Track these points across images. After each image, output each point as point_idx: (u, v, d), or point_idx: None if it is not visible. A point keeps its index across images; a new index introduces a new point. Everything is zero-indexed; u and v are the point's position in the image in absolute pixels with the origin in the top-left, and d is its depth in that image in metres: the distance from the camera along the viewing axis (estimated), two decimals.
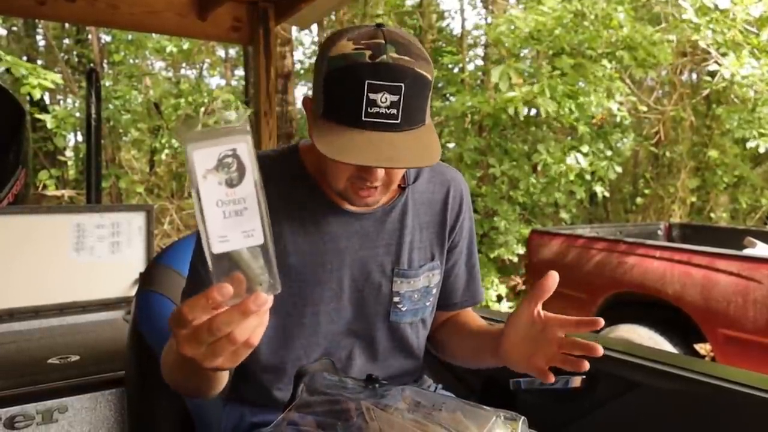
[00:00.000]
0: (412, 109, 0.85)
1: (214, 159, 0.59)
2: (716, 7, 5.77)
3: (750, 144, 6.22)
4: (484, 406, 0.82)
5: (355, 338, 1.05)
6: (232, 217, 0.61)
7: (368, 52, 0.83)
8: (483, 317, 1.44)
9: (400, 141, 0.84)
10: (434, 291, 1.11)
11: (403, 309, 1.06)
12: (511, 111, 6.07)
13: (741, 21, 5.82)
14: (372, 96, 0.82)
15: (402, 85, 0.82)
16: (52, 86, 5.89)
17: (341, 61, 0.84)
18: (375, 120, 0.83)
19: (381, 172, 0.89)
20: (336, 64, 0.84)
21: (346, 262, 1.02)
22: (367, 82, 0.81)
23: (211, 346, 0.62)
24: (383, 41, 0.84)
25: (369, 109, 0.82)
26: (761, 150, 6.13)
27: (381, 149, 0.83)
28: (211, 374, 0.83)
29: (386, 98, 0.82)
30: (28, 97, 5.49)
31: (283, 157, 1.05)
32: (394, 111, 0.83)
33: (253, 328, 0.62)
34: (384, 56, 0.82)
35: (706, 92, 7.09)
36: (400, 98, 0.83)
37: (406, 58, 0.84)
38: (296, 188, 1.01)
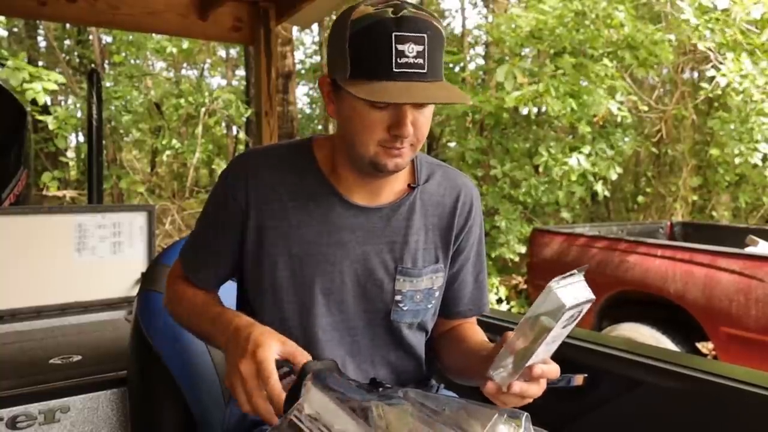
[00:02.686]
0: (435, 60, 0.89)
1: (570, 314, 0.80)
2: (715, 7, 5.74)
3: (738, 159, 6.03)
4: (488, 405, 0.81)
5: (354, 334, 1.05)
6: (548, 344, 0.82)
7: (390, 9, 0.88)
8: (486, 318, 1.44)
9: (429, 87, 0.89)
10: (437, 294, 1.10)
11: (405, 308, 1.05)
12: (520, 110, 6.05)
13: (741, 21, 5.79)
14: (400, 47, 0.86)
15: (425, 35, 0.87)
16: (56, 87, 5.89)
17: (366, 20, 0.88)
18: (405, 70, 0.87)
19: (410, 128, 0.91)
20: (361, 24, 0.89)
21: (348, 256, 1.02)
22: (393, 34, 0.86)
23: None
24: (399, 1, 0.90)
25: (399, 60, 0.86)
26: (754, 161, 5.95)
27: (413, 92, 0.87)
28: None
29: (413, 48, 0.87)
30: (30, 99, 5.50)
31: (295, 149, 1.07)
32: (421, 61, 0.87)
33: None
34: (405, 11, 0.88)
35: (703, 96, 7.07)
36: (424, 48, 0.87)
37: (423, 13, 0.90)
38: (306, 180, 1.03)
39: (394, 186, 1.05)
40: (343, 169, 1.02)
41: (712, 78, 5.98)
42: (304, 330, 1.03)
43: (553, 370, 0.86)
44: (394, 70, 0.86)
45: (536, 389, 0.85)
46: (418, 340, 1.12)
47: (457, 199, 1.10)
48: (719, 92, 6.20)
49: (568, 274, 0.82)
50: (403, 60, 0.86)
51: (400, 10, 0.88)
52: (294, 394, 0.91)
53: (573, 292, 0.80)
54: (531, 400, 0.87)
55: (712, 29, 5.82)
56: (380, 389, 0.88)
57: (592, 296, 0.82)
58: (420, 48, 0.87)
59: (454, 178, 1.12)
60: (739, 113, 6.13)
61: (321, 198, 1.02)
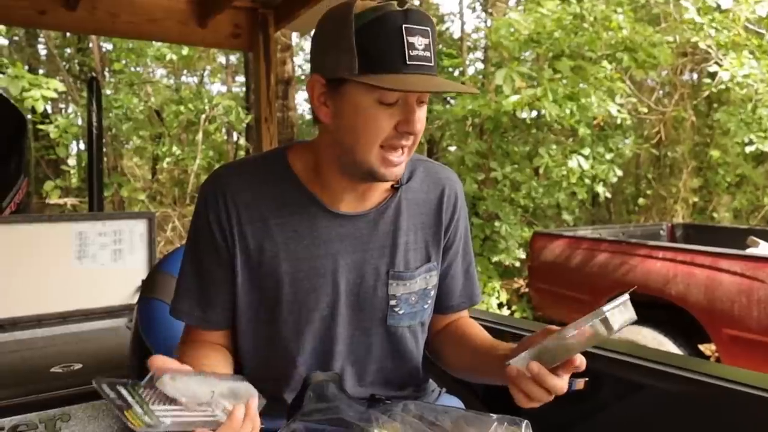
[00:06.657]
0: (435, 53, 0.89)
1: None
2: (718, 7, 5.77)
3: (749, 148, 6.15)
4: (487, 413, 0.81)
5: (351, 343, 1.03)
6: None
7: (395, 1, 0.87)
8: (484, 320, 1.43)
9: (438, 80, 0.89)
10: (432, 293, 1.08)
11: (401, 312, 1.04)
12: (517, 114, 6.07)
13: (743, 20, 5.82)
14: (410, 39, 0.85)
15: (428, 29, 0.87)
16: (55, 95, 5.90)
17: (372, 13, 0.86)
18: (417, 63, 0.86)
19: (418, 124, 0.90)
20: (367, 17, 0.86)
21: (340, 266, 1.00)
22: (403, 26, 0.85)
23: None
24: None
25: (411, 53, 0.85)
26: (764, 149, 6.07)
27: (428, 84, 0.87)
28: None
29: (421, 41, 0.86)
30: (30, 107, 5.51)
31: (269, 160, 1.03)
32: (428, 54, 0.87)
33: None
34: (408, 4, 0.87)
35: (706, 94, 7.09)
36: (430, 42, 0.87)
37: (422, 7, 0.92)
38: (285, 192, 1.00)
39: (379, 188, 1.03)
40: (330, 176, 0.98)
41: (714, 74, 6.02)
42: (300, 344, 1.01)
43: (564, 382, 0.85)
44: (408, 62, 0.85)
45: (557, 382, 0.83)
46: (417, 342, 1.10)
47: (442, 195, 1.08)
48: (722, 87, 6.23)
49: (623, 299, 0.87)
50: (414, 52, 0.85)
51: (405, 3, 0.86)
52: (297, 403, 0.91)
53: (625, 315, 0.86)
54: (549, 397, 0.83)
55: (717, 28, 5.84)
56: (379, 404, 0.88)
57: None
58: (426, 41, 0.87)
59: (436, 173, 1.10)
60: (744, 104, 6.17)
61: (304, 210, 0.99)
